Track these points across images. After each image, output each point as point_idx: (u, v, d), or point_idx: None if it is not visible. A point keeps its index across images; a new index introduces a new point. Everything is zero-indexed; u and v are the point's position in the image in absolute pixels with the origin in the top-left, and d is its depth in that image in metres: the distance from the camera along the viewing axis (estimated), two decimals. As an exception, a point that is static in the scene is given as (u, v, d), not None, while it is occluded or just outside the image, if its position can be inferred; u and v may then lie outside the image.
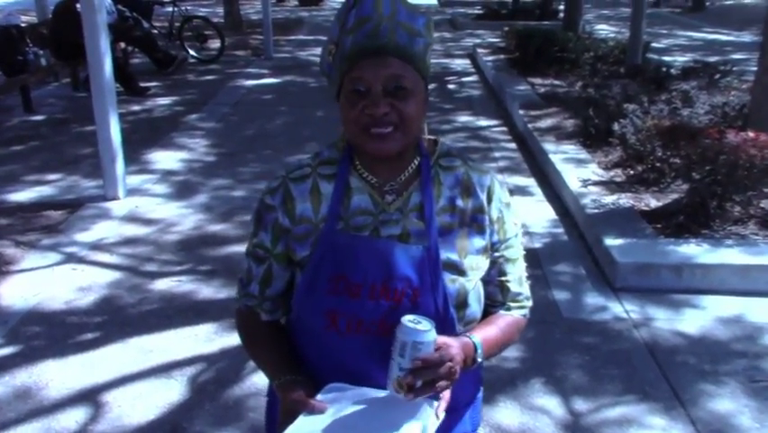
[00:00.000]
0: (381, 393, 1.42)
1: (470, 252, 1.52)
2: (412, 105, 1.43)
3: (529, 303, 1.67)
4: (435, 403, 1.42)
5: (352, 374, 1.47)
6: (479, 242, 1.53)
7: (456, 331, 1.51)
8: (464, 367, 1.45)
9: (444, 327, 1.47)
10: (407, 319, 1.37)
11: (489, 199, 1.56)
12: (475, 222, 1.54)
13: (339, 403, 1.41)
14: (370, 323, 1.46)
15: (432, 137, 1.61)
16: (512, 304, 1.64)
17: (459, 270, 1.50)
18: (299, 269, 1.54)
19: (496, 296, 1.62)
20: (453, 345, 1.41)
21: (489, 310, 1.62)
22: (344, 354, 1.49)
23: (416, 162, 1.54)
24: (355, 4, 1.44)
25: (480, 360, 1.51)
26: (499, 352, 1.62)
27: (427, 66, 1.49)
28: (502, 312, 1.63)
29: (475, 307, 1.55)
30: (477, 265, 1.53)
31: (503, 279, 1.61)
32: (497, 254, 1.57)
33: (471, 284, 1.52)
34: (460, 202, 1.53)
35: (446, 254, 1.49)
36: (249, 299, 1.63)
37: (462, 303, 1.51)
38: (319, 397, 1.42)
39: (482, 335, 1.53)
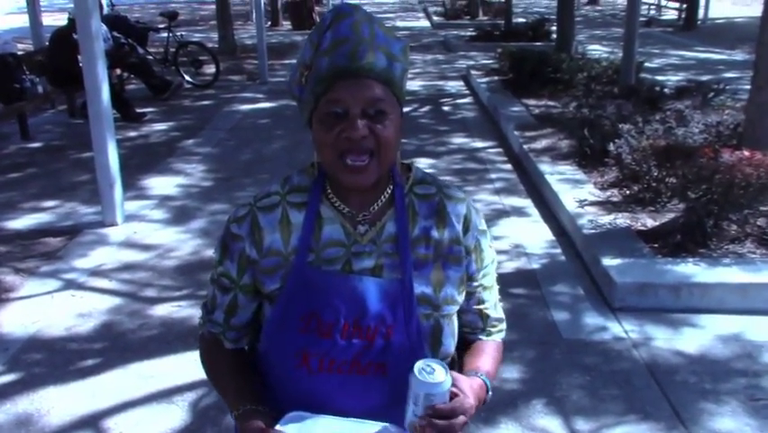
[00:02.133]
0: (344, 421, 1.38)
1: (445, 285, 1.48)
2: (390, 130, 1.38)
3: (504, 325, 1.65)
4: None
5: (321, 411, 1.42)
6: (454, 274, 1.49)
7: None
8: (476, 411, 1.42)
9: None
10: (419, 368, 1.30)
11: (466, 229, 1.51)
12: (451, 254, 1.49)
13: (301, 431, 1.37)
14: (341, 362, 1.42)
15: (406, 162, 1.55)
16: (492, 329, 1.61)
17: (433, 304, 1.46)
18: (269, 301, 1.49)
19: (476, 324, 1.59)
20: (469, 395, 1.35)
21: (469, 337, 1.60)
22: (315, 391, 1.44)
23: (390, 190, 1.49)
24: (330, 26, 1.38)
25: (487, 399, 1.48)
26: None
27: (404, 92, 1.44)
28: (485, 338, 1.60)
29: (449, 342, 1.51)
30: (453, 299, 1.49)
31: (482, 307, 1.58)
32: (475, 284, 1.54)
33: (446, 320, 1.49)
34: (435, 233, 1.49)
35: (421, 288, 1.45)
36: (213, 326, 1.58)
37: (437, 340, 1.47)
38: (278, 427, 1.36)
39: (487, 369, 1.50)
